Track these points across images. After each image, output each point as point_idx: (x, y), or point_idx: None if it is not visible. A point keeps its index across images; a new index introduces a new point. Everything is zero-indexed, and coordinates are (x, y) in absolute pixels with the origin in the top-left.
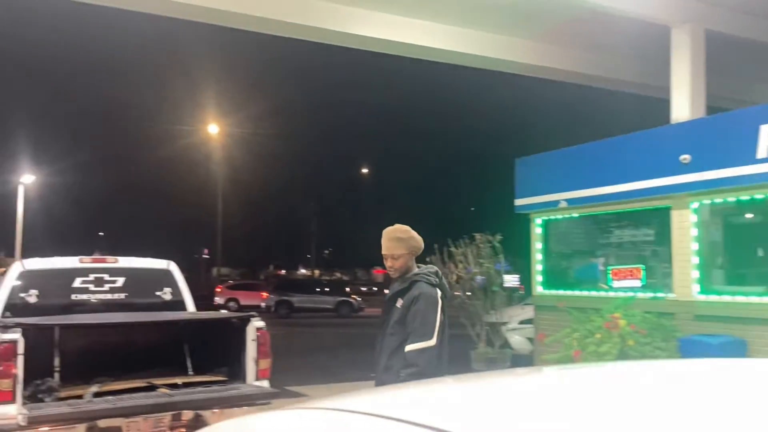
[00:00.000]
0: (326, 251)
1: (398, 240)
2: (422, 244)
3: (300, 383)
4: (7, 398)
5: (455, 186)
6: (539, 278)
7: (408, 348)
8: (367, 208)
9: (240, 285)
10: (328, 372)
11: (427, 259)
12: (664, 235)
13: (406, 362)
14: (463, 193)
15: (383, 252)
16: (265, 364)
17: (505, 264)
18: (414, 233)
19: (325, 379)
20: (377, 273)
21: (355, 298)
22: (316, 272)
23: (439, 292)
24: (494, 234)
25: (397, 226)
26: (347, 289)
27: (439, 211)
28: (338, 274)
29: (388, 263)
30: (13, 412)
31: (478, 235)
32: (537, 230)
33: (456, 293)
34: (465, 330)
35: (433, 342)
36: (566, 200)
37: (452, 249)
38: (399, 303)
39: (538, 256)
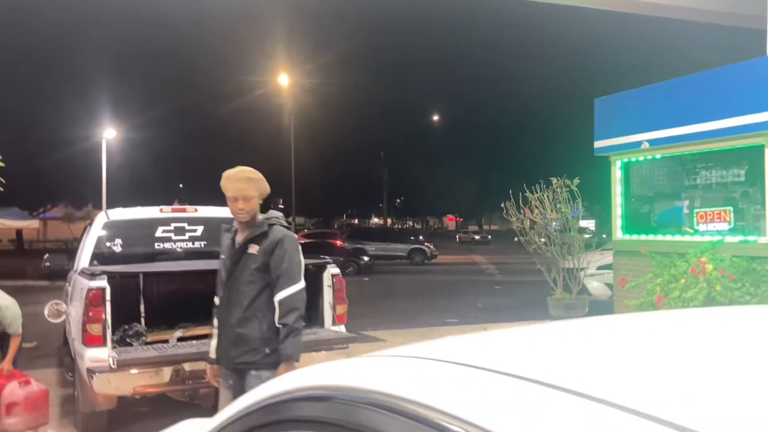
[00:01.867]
0: (398, 200)
1: (250, 180)
2: (269, 188)
3: (376, 328)
4: (98, 342)
5: (530, 130)
6: (619, 223)
7: (283, 294)
8: (439, 156)
9: (314, 234)
10: (404, 317)
11: (502, 205)
12: (755, 175)
13: (284, 308)
14: (539, 136)
15: (233, 194)
16: (342, 309)
17: (583, 209)
18: (262, 176)
19: (401, 325)
20: (449, 221)
21: (428, 246)
22: (389, 221)
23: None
24: (572, 178)
25: (244, 167)
26: (420, 237)
27: (514, 156)
28: (410, 223)
29: (239, 205)
30: (104, 355)
31: (554, 180)
32: (617, 173)
33: (533, 238)
34: (541, 276)
35: (303, 283)
36: (648, 141)
37: (527, 194)
38: (254, 249)
39: (618, 200)
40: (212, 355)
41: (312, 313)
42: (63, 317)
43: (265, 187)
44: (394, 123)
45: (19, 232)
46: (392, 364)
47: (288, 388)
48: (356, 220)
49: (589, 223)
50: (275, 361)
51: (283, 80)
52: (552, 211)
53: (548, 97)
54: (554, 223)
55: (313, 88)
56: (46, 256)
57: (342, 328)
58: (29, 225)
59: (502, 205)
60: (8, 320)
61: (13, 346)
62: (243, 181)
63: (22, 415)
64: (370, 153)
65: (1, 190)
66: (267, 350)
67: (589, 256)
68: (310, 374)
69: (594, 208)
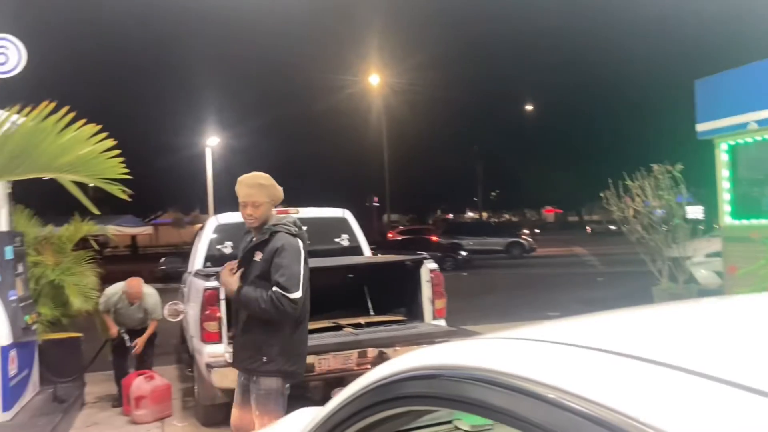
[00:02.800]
0: (493, 193)
1: (260, 187)
2: (282, 194)
3: (476, 323)
4: (215, 339)
5: (629, 115)
6: (727, 208)
7: (278, 291)
8: (534, 147)
9: (409, 230)
10: (504, 312)
11: (601, 195)
12: None
13: (269, 297)
14: (639, 122)
15: (242, 199)
16: (441, 303)
17: (687, 195)
18: (274, 182)
19: (501, 319)
20: (547, 213)
21: (526, 239)
22: (484, 215)
23: (301, 243)
24: (674, 164)
25: (258, 173)
26: (521, 231)
27: (613, 143)
28: (506, 216)
29: (247, 211)
30: (221, 350)
31: (655, 166)
32: (723, 156)
33: (635, 228)
34: (645, 267)
35: (299, 294)
36: (756, 122)
37: (628, 182)
38: (258, 256)
39: (725, 185)
40: None
41: (411, 308)
42: (181, 316)
43: (277, 193)
44: (488, 115)
45: (133, 238)
46: (491, 344)
47: (398, 369)
48: (451, 215)
49: (696, 210)
50: (272, 370)
51: (375, 79)
52: (654, 199)
53: (646, 80)
54: (658, 211)
55: (404, 86)
56: (163, 259)
57: (442, 323)
58: (143, 231)
59: (602, 194)
60: (151, 306)
61: (151, 328)
62: (253, 187)
63: (149, 407)
64: (464, 147)
65: (130, 200)
66: (264, 359)
67: (695, 244)
68: (418, 356)
69: (700, 193)
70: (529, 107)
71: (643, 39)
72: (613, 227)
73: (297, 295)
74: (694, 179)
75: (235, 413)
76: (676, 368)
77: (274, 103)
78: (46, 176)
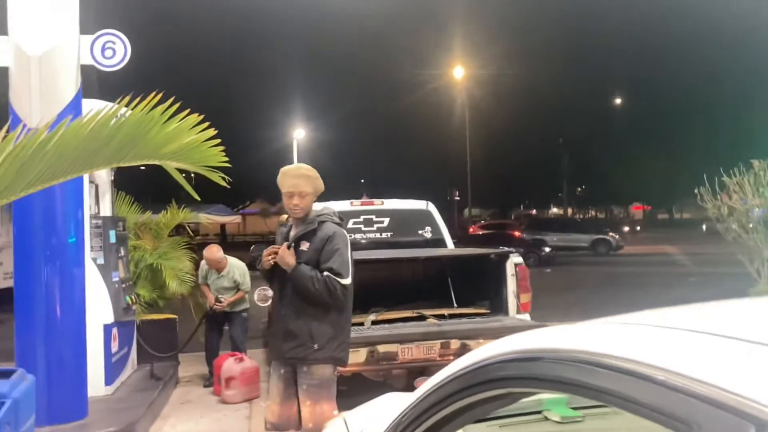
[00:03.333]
0: (579, 188)
1: (306, 178)
2: (323, 187)
3: (561, 319)
4: None
5: (723, 108)
6: None
7: (329, 276)
8: (624, 141)
9: (491, 225)
10: (589, 309)
11: (695, 191)
12: None
13: (323, 279)
14: (734, 114)
15: (288, 189)
16: (526, 298)
17: None
18: (318, 174)
19: (585, 316)
20: (636, 210)
21: (613, 236)
22: (569, 210)
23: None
24: None
25: (302, 164)
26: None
27: (707, 138)
28: (593, 212)
29: (294, 201)
30: None
31: (755, 161)
32: None
33: (731, 227)
34: (741, 267)
35: (349, 280)
36: None
37: (724, 179)
38: (305, 246)
39: None
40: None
41: (495, 302)
42: (269, 301)
43: (320, 185)
44: (574, 108)
45: (223, 226)
46: (590, 328)
47: (498, 351)
48: (534, 211)
49: None
50: (323, 357)
51: (458, 72)
52: (754, 197)
53: (745, 70)
54: (757, 210)
55: (489, 78)
56: (253, 246)
57: (527, 317)
58: (233, 220)
59: (696, 191)
60: (239, 277)
61: (238, 295)
62: (299, 177)
63: (239, 388)
64: (549, 141)
65: (229, 187)
66: (315, 346)
67: None
68: (517, 340)
69: None
70: (618, 99)
71: (740, 25)
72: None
73: (348, 281)
74: None
75: (274, 409)
76: None
77: (358, 98)
78: (152, 162)
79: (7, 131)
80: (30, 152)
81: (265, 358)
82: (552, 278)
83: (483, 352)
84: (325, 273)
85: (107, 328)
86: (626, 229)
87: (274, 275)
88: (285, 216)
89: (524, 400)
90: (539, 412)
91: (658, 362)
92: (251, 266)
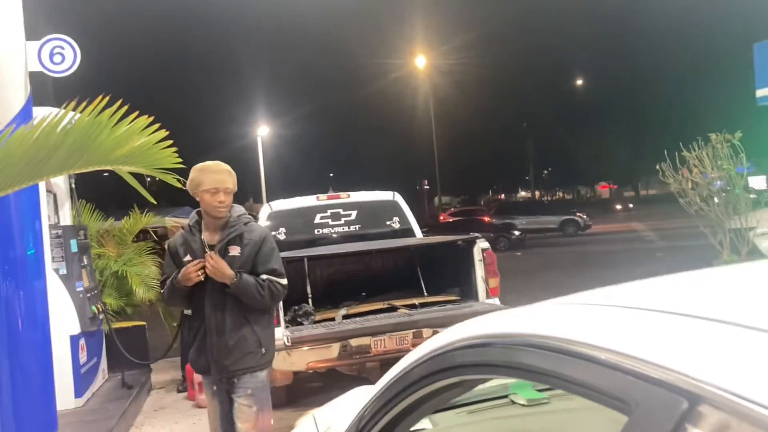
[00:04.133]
0: (545, 171)
1: (229, 174)
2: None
3: (531, 301)
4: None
5: (683, 84)
6: None
7: (271, 277)
8: (587, 121)
9: (461, 212)
10: (561, 291)
11: (657, 167)
12: None
13: (267, 286)
14: (694, 90)
15: (213, 185)
16: (494, 282)
17: (748, 164)
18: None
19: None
20: (602, 189)
21: (581, 216)
22: (537, 193)
23: None
24: (733, 132)
25: (217, 161)
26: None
27: (667, 114)
28: (560, 194)
29: (219, 199)
30: (279, 334)
31: (713, 135)
32: None
33: (694, 200)
34: (705, 240)
35: (286, 281)
36: None
37: (684, 153)
38: (235, 251)
39: None
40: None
41: (465, 288)
42: None
43: (236, 183)
44: (536, 92)
45: None
46: (539, 310)
47: (452, 339)
48: (502, 196)
49: (759, 180)
50: (269, 360)
51: (420, 61)
52: (713, 170)
53: (701, 46)
54: (717, 182)
55: (451, 66)
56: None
57: (496, 301)
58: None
59: (658, 167)
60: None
61: None
62: (224, 173)
63: None
64: (513, 126)
65: (184, 188)
66: (263, 350)
67: (758, 215)
68: (470, 326)
69: (763, 162)
70: (579, 81)
71: (697, 1)
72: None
73: (286, 281)
74: (755, 148)
75: (216, 427)
76: (730, 324)
77: (321, 91)
78: (105, 168)
79: None
80: None
81: None
82: (523, 261)
83: (437, 340)
84: (265, 276)
85: (74, 339)
86: (618, 207)
87: (195, 290)
88: (253, 214)
89: (491, 384)
90: (506, 396)
91: (597, 341)
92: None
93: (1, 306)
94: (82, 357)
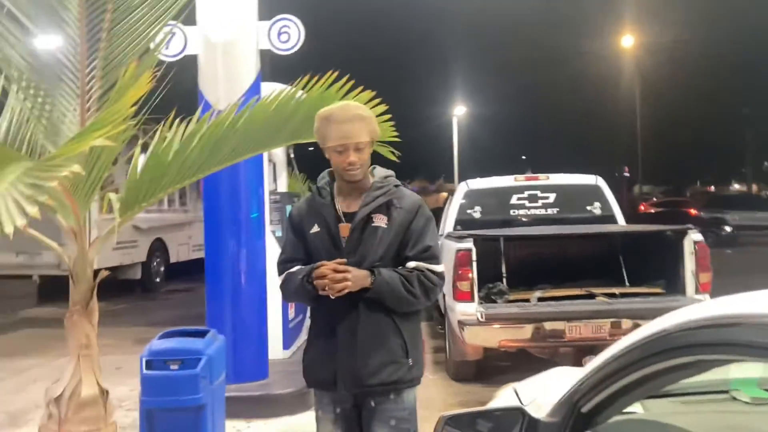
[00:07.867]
0: (766, 163)
1: (361, 120)
2: (379, 132)
3: None
4: (467, 298)
5: None
6: None
7: (424, 265)
8: None
9: (664, 203)
10: None
11: None
12: None
13: (420, 279)
14: None
15: (339, 142)
16: (705, 277)
17: None
18: (372, 113)
19: None
20: None
21: None
22: (754, 187)
23: None
24: None
25: (349, 101)
26: None
27: None
28: None
29: (349, 158)
30: (473, 309)
31: None
32: None
33: None
34: None
35: (442, 268)
36: None
37: None
38: (381, 221)
39: None
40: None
41: (671, 281)
42: None
43: (377, 131)
44: (761, 75)
45: None
46: None
47: (687, 319)
48: (712, 188)
49: None
50: (418, 375)
51: (628, 40)
52: None
53: None
54: None
55: (662, 46)
56: None
57: (706, 297)
58: None
59: None
60: None
61: None
62: (351, 122)
63: None
64: (731, 112)
65: (398, 161)
66: (410, 361)
67: None
68: (707, 307)
69: None
70: None
71: None
72: None
73: (442, 267)
74: None
75: None
76: None
77: (520, 71)
78: None
79: (199, 115)
80: (221, 133)
81: (429, 331)
82: (734, 260)
83: (670, 319)
84: (413, 264)
85: None
86: None
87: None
88: (443, 193)
89: (709, 377)
90: (726, 392)
91: None
92: None
93: (227, 262)
94: (291, 313)
